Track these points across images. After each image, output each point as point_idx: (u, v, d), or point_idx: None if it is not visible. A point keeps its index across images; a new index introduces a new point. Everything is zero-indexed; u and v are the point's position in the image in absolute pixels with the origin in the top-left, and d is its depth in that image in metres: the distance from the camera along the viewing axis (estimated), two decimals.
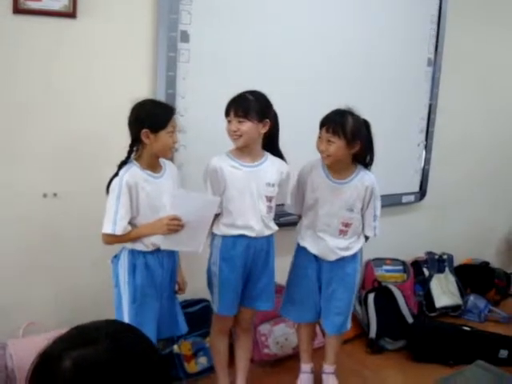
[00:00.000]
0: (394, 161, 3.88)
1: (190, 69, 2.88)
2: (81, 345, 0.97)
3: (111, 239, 2.34)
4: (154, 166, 2.43)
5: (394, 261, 4.09)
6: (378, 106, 3.66)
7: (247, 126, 2.50)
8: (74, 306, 2.85)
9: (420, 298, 4.04)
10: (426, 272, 4.16)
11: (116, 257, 2.47)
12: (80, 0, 2.60)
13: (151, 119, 2.32)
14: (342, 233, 2.77)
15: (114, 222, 2.29)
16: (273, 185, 2.63)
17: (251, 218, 2.59)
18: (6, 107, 2.57)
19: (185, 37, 2.83)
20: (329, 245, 2.76)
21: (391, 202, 3.91)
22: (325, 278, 2.83)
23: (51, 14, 2.57)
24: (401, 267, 4.08)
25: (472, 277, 4.35)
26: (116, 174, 2.35)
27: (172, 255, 2.52)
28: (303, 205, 2.83)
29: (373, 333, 3.57)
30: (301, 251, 2.87)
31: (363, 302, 3.70)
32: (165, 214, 2.34)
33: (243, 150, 2.58)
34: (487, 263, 4.48)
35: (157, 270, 2.44)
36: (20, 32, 2.54)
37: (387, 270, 4.03)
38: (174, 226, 2.32)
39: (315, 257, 2.82)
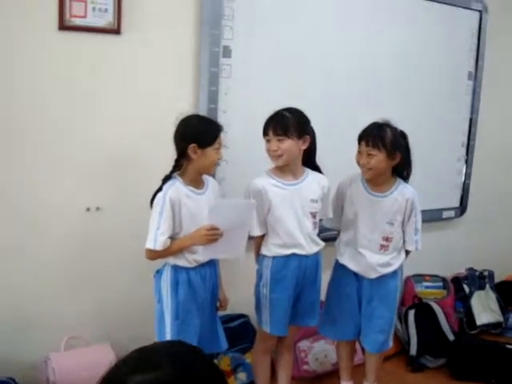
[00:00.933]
0: (434, 175, 3.84)
1: (232, 84, 2.88)
2: (144, 369, 0.96)
3: (153, 254, 2.35)
4: (196, 182, 2.43)
5: (434, 277, 4.01)
6: (418, 119, 3.64)
7: (287, 144, 2.49)
8: (116, 320, 2.86)
9: (460, 314, 3.96)
10: (467, 289, 4.08)
11: (159, 272, 2.47)
12: (124, 16, 2.63)
13: (199, 135, 2.33)
14: (383, 248, 2.72)
15: (155, 237, 2.30)
16: (316, 200, 2.62)
17: (299, 237, 2.58)
18: (52, 122, 2.61)
19: (227, 52, 2.84)
20: (369, 261, 2.72)
21: (431, 217, 3.86)
22: (365, 295, 2.79)
23: (96, 30, 2.60)
24: (441, 283, 4.00)
25: None
26: (160, 189, 2.35)
27: (214, 271, 2.51)
28: (341, 219, 2.81)
29: (413, 350, 3.51)
30: (340, 268, 2.83)
31: (403, 318, 3.65)
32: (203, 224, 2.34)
33: (284, 169, 2.57)
34: None
35: (199, 286, 2.43)
36: (65, 48, 2.57)
37: (427, 287, 3.96)
38: (213, 235, 2.31)
39: (355, 274, 2.78)
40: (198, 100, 2.84)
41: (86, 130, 2.67)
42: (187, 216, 2.36)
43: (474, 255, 4.26)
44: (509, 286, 4.28)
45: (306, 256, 2.60)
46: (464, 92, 3.95)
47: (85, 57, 2.61)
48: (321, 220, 2.77)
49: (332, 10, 3.20)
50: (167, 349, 1.02)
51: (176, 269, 2.41)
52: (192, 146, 2.31)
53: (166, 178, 2.37)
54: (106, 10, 2.60)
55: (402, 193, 2.69)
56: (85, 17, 2.57)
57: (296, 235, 2.57)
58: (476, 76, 3.95)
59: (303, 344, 3.22)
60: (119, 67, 2.69)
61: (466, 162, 4.07)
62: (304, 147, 2.55)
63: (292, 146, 2.50)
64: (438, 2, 3.65)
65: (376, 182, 2.68)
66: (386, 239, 2.72)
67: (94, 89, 2.66)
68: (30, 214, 2.62)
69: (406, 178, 2.75)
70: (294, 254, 2.58)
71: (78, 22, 2.57)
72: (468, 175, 4.09)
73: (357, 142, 2.64)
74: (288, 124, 2.48)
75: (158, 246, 2.30)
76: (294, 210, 2.56)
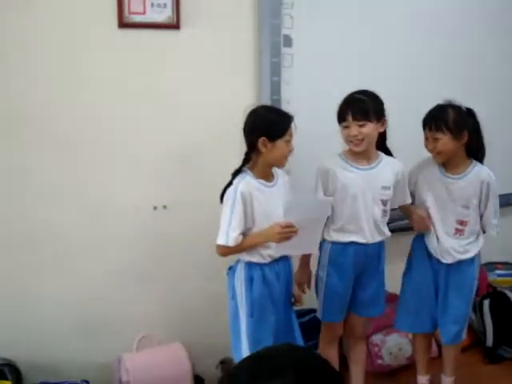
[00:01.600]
0: (506, 157, 3.67)
1: (294, 74, 2.81)
2: (268, 376, 0.91)
3: (225, 250, 2.28)
4: (267, 175, 2.35)
5: (507, 265, 3.86)
6: (490, 105, 3.46)
7: (369, 129, 2.40)
8: (186, 319, 2.84)
9: None
10: None
11: (231, 269, 2.41)
12: (183, 11, 2.60)
13: (269, 127, 2.25)
14: (458, 232, 2.61)
15: (227, 233, 2.23)
16: (389, 187, 2.52)
17: (364, 224, 2.49)
18: (116, 121, 2.60)
19: (288, 41, 2.77)
20: (444, 245, 2.62)
21: (501, 202, 3.67)
22: (441, 283, 2.69)
23: (155, 26, 2.57)
24: None
25: None
26: (230, 184, 2.29)
27: (288, 266, 2.44)
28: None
29: (490, 341, 3.38)
30: (417, 249, 2.74)
31: (478, 308, 3.51)
32: (277, 221, 2.25)
33: (359, 153, 2.47)
34: None
35: (274, 282, 2.36)
36: (126, 46, 2.56)
37: (500, 275, 3.80)
38: (287, 233, 2.23)
39: (431, 260, 2.68)
40: (260, 92, 2.78)
41: (150, 129, 2.66)
42: (259, 210, 2.29)
43: None
44: None
45: (366, 244, 2.51)
46: None
47: (146, 54, 2.59)
48: (395, 209, 2.67)
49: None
50: (289, 354, 0.97)
51: (250, 265, 2.34)
52: (262, 139, 2.23)
53: (236, 172, 2.31)
54: (164, 5, 2.56)
55: (477, 174, 2.58)
56: (144, 13, 2.55)
57: (361, 222, 2.48)
58: None
59: (376, 338, 3.13)
60: (180, 62, 2.66)
61: None
62: (382, 129, 2.47)
63: (373, 130, 2.42)
64: None
65: (451, 164, 2.59)
66: (461, 223, 2.61)
67: (157, 86, 2.64)
68: (99, 214, 2.64)
69: (480, 159, 2.63)
70: (353, 242, 2.50)
71: (137, 18, 2.54)
72: None
73: (422, 129, 2.56)
74: (368, 107, 2.39)
75: (231, 242, 2.23)
76: (363, 196, 2.47)
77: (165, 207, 2.71)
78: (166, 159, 2.69)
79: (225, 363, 2.82)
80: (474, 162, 2.61)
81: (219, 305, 2.54)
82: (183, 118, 2.70)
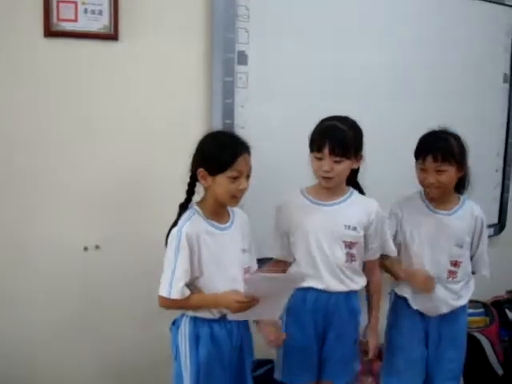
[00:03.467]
0: (469, 190, 3.45)
1: (250, 95, 2.50)
2: None
3: (168, 303, 1.92)
4: (219, 215, 2.02)
5: (475, 303, 3.61)
6: (451, 126, 3.25)
7: (344, 166, 2.11)
8: (122, 374, 2.47)
9: (505, 343, 3.56)
10: (509, 313, 3.69)
11: (175, 323, 2.05)
12: (122, 19, 2.27)
13: (208, 158, 1.93)
14: (452, 275, 2.36)
15: (171, 283, 1.89)
16: (355, 228, 2.18)
17: (323, 268, 2.16)
18: (41, 146, 2.23)
19: (242, 58, 2.45)
20: (438, 293, 2.34)
21: None
22: (432, 336, 2.42)
23: (89, 36, 2.23)
24: (482, 309, 3.59)
25: None
26: (175, 223, 1.95)
27: (243, 322, 2.07)
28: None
29: None
30: (401, 305, 2.44)
31: None
32: (237, 290, 1.92)
33: (324, 188, 2.18)
34: None
35: (225, 341, 2.00)
36: (53, 58, 2.21)
37: (468, 314, 3.54)
38: (246, 305, 1.90)
39: (420, 314, 2.40)
40: (210, 115, 2.46)
41: (80, 155, 2.30)
42: (208, 257, 1.95)
43: None
44: None
45: (328, 293, 2.17)
46: (499, 96, 3.57)
47: (76, 67, 2.25)
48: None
49: (358, 10, 2.83)
50: None
51: (196, 320, 1.99)
52: (200, 170, 1.94)
53: (182, 208, 1.99)
54: (100, 12, 2.23)
55: (469, 210, 2.40)
56: (75, 20, 2.20)
57: (318, 265, 2.16)
58: None
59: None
60: (117, 79, 2.32)
61: (504, 173, 3.68)
62: (357, 166, 2.19)
63: (348, 168, 2.14)
64: None
65: (441, 199, 2.37)
66: (455, 264, 2.37)
67: (89, 104, 2.29)
68: (24, 252, 2.28)
69: (462, 191, 2.45)
70: (311, 289, 2.17)
71: (67, 26, 2.20)
72: (506, 188, 3.71)
73: (414, 157, 2.33)
74: (349, 143, 2.10)
75: (175, 294, 1.89)
76: (322, 234, 2.16)
77: (97, 247, 2.35)
78: (98, 193, 2.34)
79: None
80: (461, 196, 2.43)
81: (160, 360, 2.25)
82: (120, 144, 2.35)
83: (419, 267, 2.35)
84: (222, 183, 1.91)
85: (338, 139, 2.08)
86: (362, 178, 2.30)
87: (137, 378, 2.47)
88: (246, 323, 2.09)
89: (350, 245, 2.18)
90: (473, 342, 3.27)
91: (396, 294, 2.46)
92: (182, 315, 2.02)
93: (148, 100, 2.37)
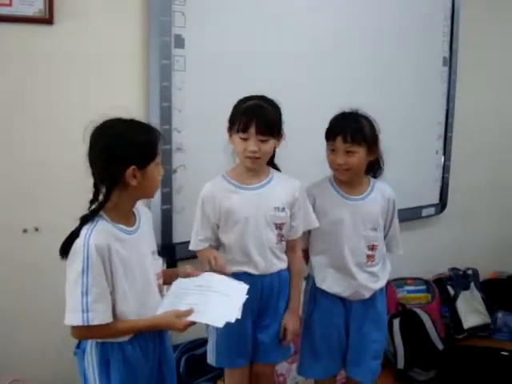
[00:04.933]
0: (411, 171, 3.58)
1: (187, 78, 2.51)
2: None
3: (85, 333, 1.65)
4: (127, 216, 1.77)
5: (416, 280, 3.74)
6: (390, 110, 3.35)
7: (270, 145, 2.10)
8: (65, 360, 2.46)
9: (446, 319, 3.69)
10: (451, 290, 3.82)
11: (80, 347, 1.79)
12: (57, 3, 2.26)
13: (136, 152, 1.68)
14: (369, 259, 2.32)
15: (85, 307, 1.60)
16: (283, 208, 2.17)
17: (255, 252, 2.14)
18: None
19: (179, 42, 2.47)
20: (360, 279, 2.31)
21: (410, 216, 3.61)
22: (355, 320, 2.37)
23: (23, 20, 2.22)
24: (424, 287, 3.72)
25: (499, 292, 4.00)
26: (75, 235, 1.65)
27: (159, 339, 1.85)
28: (309, 236, 2.37)
29: (401, 363, 3.22)
30: (320, 296, 2.39)
31: (387, 328, 3.34)
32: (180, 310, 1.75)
33: (247, 170, 2.16)
34: None
35: (139, 365, 1.75)
36: None
37: (409, 291, 3.67)
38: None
39: (341, 298, 2.36)
40: (147, 98, 2.47)
41: (17, 139, 2.29)
42: (121, 270, 1.68)
43: (457, 254, 4.04)
44: (494, 283, 4.06)
45: (261, 276, 2.15)
46: (439, 79, 3.68)
47: (11, 52, 2.23)
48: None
49: None
50: None
51: (104, 346, 1.72)
52: (131, 168, 1.66)
53: (85, 220, 1.67)
54: None
55: (380, 192, 2.34)
56: (10, 5, 2.19)
57: (251, 250, 2.13)
58: (451, 62, 3.70)
59: (281, 367, 2.88)
60: (53, 63, 2.30)
61: (444, 154, 3.80)
62: (278, 145, 2.18)
63: (272, 147, 2.13)
64: None
65: (350, 183, 2.31)
66: (372, 248, 2.32)
67: (24, 89, 2.27)
68: None
69: (377, 175, 2.40)
70: (245, 273, 2.13)
71: (1, 10, 2.18)
72: (447, 169, 3.83)
73: (325, 138, 2.25)
74: (274, 122, 2.09)
75: (95, 319, 1.60)
76: (253, 220, 2.13)
77: (36, 230, 2.35)
78: (36, 175, 2.33)
79: None
80: (370, 178, 2.37)
81: None
82: (56, 129, 2.34)
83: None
84: (152, 174, 1.73)
85: (264, 118, 2.05)
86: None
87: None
88: (163, 338, 1.87)
89: (280, 226, 2.18)
90: (414, 318, 3.37)
91: (315, 287, 2.39)
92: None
93: (84, 84, 2.36)
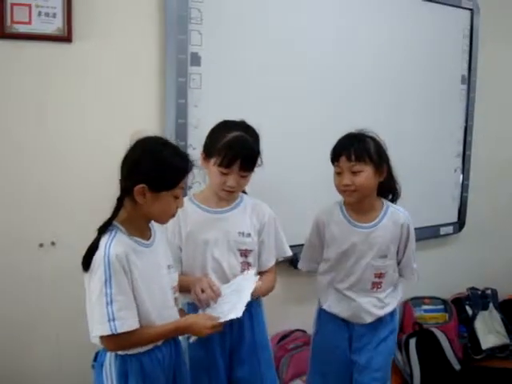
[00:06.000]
0: (429, 189, 3.55)
1: (203, 95, 2.54)
2: None
3: (116, 342, 1.65)
4: (143, 230, 1.79)
5: (434, 299, 3.70)
6: (407, 128, 3.36)
7: (249, 179, 2.07)
8: (81, 373, 2.46)
9: (464, 340, 3.64)
10: (469, 310, 3.77)
11: (97, 360, 1.78)
12: (76, 22, 2.31)
13: (156, 175, 1.70)
14: (376, 286, 2.24)
15: (111, 316, 1.61)
16: (248, 234, 2.09)
17: (216, 279, 2.04)
18: None
19: (196, 60, 2.50)
20: (361, 304, 2.24)
21: (428, 234, 3.59)
22: (357, 344, 2.29)
23: (43, 38, 2.26)
24: (442, 306, 3.69)
25: None
26: (95, 246, 1.67)
27: (174, 348, 1.86)
28: (319, 260, 2.33)
29: (417, 383, 3.17)
30: (325, 317, 2.34)
31: (404, 348, 3.31)
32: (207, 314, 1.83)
33: (216, 196, 2.10)
34: None
35: (157, 375, 1.77)
36: (7, 60, 2.23)
37: (426, 310, 3.64)
38: (218, 327, 1.79)
39: (344, 321, 2.30)
40: (164, 115, 2.50)
41: (36, 158, 2.32)
42: (138, 280, 1.69)
43: (475, 273, 3.97)
44: None
45: None
46: (457, 97, 3.65)
47: (30, 69, 2.27)
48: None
49: (311, 11, 2.87)
50: None
51: (123, 357, 1.72)
52: (140, 186, 1.68)
53: (103, 229, 1.71)
54: (54, 15, 2.27)
55: (393, 218, 2.21)
56: (29, 23, 2.24)
57: (211, 276, 2.04)
58: (470, 80, 3.66)
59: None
60: (71, 81, 2.34)
61: (463, 172, 3.76)
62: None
63: (250, 179, 2.09)
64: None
65: (360, 208, 2.21)
66: (379, 275, 2.23)
67: (44, 107, 2.31)
68: None
69: (394, 199, 2.29)
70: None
71: (21, 28, 2.23)
72: (465, 187, 3.79)
73: (331, 162, 2.18)
74: (256, 156, 2.04)
75: (123, 327, 1.61)
76: (214, 244, 2.05)
77: (53, 244, 2.37)
78: (55, 192, 2.37)
79: None
80: (385, 201, 2.26)
81: None
82: (75, 145, 2.38)
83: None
84: (165, 201, 1.73)
85: (249, 155, 2.00)
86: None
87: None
88: (177, 349, 1.89)
89: (244, 253, 2.09)
90: (431, 338, 3.34)
91: (321, 309, 2.36)
92: (105, 350, 1.75)
93: (101, 101, 2.40)
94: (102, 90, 2.40)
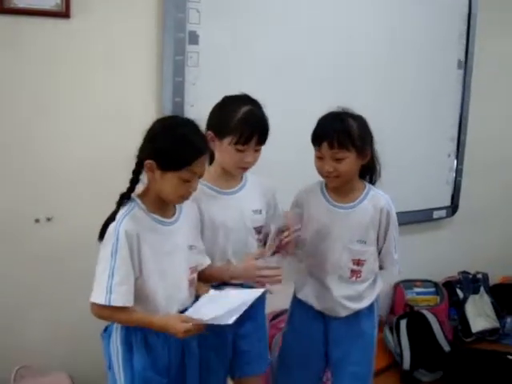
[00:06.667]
0: (423, 173, 3.57)
1: (200, 73, 2.55)
2: None
3: (105, 312, 1.68)
4: (164, 207, 1.79)
5: (426, 282, 3.75)
6: (403, 112, 3.37)
7: (260, 153, 2.01)
8: (73, 346, 2.52)
9: (455, 322, 3.69)
10: (460, 293, 3.81)
11: (107, 330, 1.84)
12: None
13: (163, 152, 1.69)
14: (354, 274, 2.12)
15: (109, 288, 1.64)
16: (260, 211, 2.08)
17: (236, 261, 2.03)
18: None
19: (193, 38, 2.51)
20: (335, 295, 2.13)
21: (421, 218, 3.63)
22: (334, 337, 2.21)
23: (41, 13, 2.26)
24: (433, 289, 3.74)
25: (508, 297, 3.99)
26: (112, 217, 1.71)
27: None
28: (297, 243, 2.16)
29: (407, 364, 3.21)
30: (299, 305, 2.25)
31: (395, 329, 3.35)
32: (180, 316, 1.73)
33: (224, 173, 2.04)
34: None
35: (161, 351, 1.79)
36: (6, 35, 2.23)
37: (418, 293, 3.68)
38: (195, 331, 1.70)
39: (320, 312, 2.20)
40: (161, 92, 2.51)
41: (32, 132, 2.33)
42: (149, 257, 1.71)
43: (467, 257, 4.00)
44: (504, 288, 4.03)
45: (240, 284, 2.01)
46: (453, 82, 3.67)
47: (29, 45, 2.27)
48: None
49: None
50: None
51: (128, 328, 1.76)
52: (148, 161, 1.69)
53: (123, 198, 1.74)
54: None
55: (373, 201, 2.11)
56: None
57: (230, 257, 2.02)
58: (466, 64, 3.67)
59: None
60: (69, 56, 2.35)
61: (457, 157, 3.79)
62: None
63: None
64: None
65: (341, 190, 2.11)
66: (358, 263, 2.11)
67: (42, 82, 2.32)
68: None
69: (374, 181, 2.19)
70: (224, 284, 2.00)
71: (20, 3, 2.23)
72: (459, 172, 3.81)
73: (312, 145, 2.06)
74: (268, 129, 1.98)
75: (116, 301, 1.64)
76: (233, 226, 2.01)
77: (49, 219, 2.39)
78: (51, 167, 2.38)
79: None
80: (367, 184, 2.16)
81: None
82: (71, 120, 2.39)
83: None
84: (171, 182, 1.70)
85: (265, 128, 1.96)
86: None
87: (86, 347, 2.52)
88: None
89: (259, 229, 2.09)
90: (421, 320, 3.38)
91: (295, 296, 2.29)
92: (113, 322, 1.80)
93: (99, 77, 2.41)
94: (99, 66, 2.40)
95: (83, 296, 2.41)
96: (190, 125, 1.77)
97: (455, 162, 3.79)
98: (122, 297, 1.65)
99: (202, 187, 1.94)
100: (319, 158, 2.04)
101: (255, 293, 1.84)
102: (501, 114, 4.02)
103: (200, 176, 1.75)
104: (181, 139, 1.69)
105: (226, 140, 1.93)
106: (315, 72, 2.95)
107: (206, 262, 1.95)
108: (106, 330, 1.85)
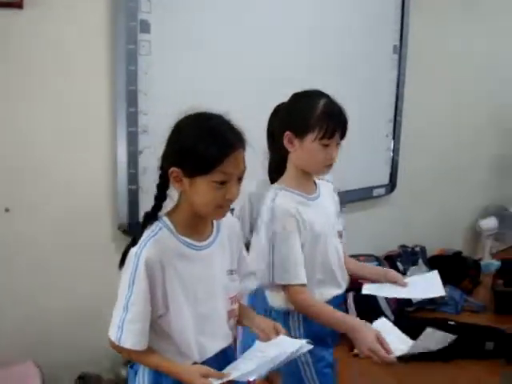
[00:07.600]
0: (363, 153, 3.74)
1: (153, 62, 2.60)
2: None
3: (121, 350, 1.45)
4: (198, 228, 1.50)
5: (368, 257, 3.92)
6: (342, 96, 3.44)
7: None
8: (39, 334, 2.54)
9: None
10: (400, 266, 4.03)
11: (133, 367, 1.59)
12: None
13: (185, 154, 1.39)
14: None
15: (121, 324, 1.41)
16: (339, 214, 2.00)
17: (337, 269, 1.95)
18: None
19: (145, 27, 2.56)
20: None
21: (362, 195, 3.81)
22: None
23: None
24: (376, 263, 3.90)
25: (445, 267, 4.21)
26: (134, 241, 1.44)
27: (217, 365, 1.51)
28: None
29: None
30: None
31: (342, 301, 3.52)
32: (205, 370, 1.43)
33: (303, 177, 1.87)
34: (460, 252, 4.37)
35: None
36: None
37: None
38: None
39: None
40: (114, 81, 2.55)
41: None
42: (177, 290, 1.44)
43: (406, 231, 4.23)
44: (441, 260, 4.27)
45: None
46: (389, 66, 3.85)
47: None
48: None
49: None
50: None
51: (156, 371, 1.49)
52: (172, 169, 1.41)
53: (148, 219, 1.47)
54: None
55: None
56: None
57: (332, 267, 1.89)
58: (401, 49, 3.86)
59: None
60: (22, 46, 2.36)
61: (394, 137, 3.98)
62: None
63: None
64: None
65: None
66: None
67: None
68: None
69: None
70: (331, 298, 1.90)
71: None
72: (396, 151, 4.02)
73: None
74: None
75: (126, 343, 1.41)
76: (327, 234, 1.86)
77: (7, 210, 2.40)
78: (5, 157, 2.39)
79: (84, 378, 2.58)
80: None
81: (77, 318, 2.37)
82: (24, 112, 2.40)
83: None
84: (202, 189, 1.40)
85: (346, 120, 1.82)
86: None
87: (53, 335, 2.55)
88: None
89: (341, 233, 1.99)
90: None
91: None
92: None
93: (51, 67, 2.42)
94: (51, 56, 2.42)
95: (50, 285, 2.50)
96: (219, 117, 1.45)
97: (392, 142, 3.98)
98: (132, 338, 1.41)
99: (289, 195, 1.82)
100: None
101: (299, 346, 1.51)
102: (435, 95, 4.23)
103: (239, 177, 1.44)
104: (207, 134, 1.40)
105: (309, 137, 1.77)
106: (263, 58, 3.04)
107: (250, 286, 1.70)
108: (132, 366, 1.60)
